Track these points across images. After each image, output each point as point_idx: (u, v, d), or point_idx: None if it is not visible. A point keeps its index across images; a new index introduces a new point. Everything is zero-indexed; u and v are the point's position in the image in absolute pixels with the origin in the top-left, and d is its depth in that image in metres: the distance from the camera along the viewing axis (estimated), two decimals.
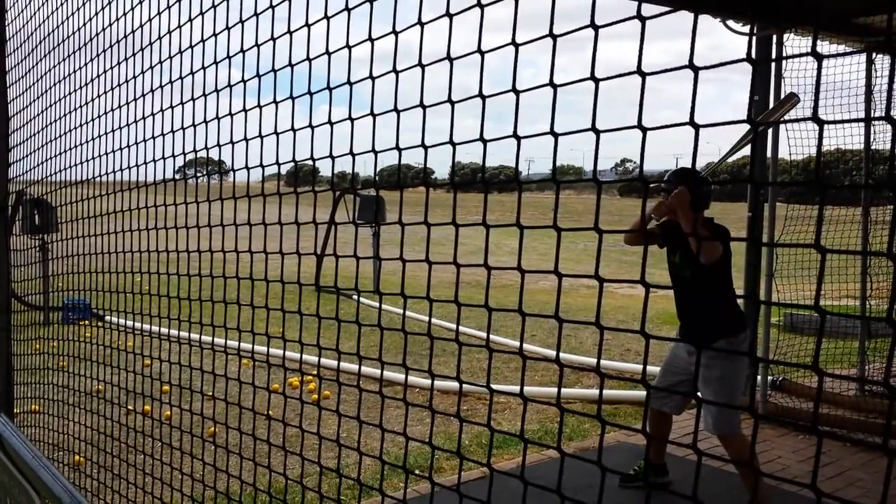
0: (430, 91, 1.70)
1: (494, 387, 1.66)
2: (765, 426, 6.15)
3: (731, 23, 6.42)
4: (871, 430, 5.66)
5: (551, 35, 1.28)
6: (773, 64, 6.21)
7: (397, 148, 1.71)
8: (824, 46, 6.77)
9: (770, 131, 6.32)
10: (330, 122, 1.91)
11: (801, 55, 5.09)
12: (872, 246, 6.84)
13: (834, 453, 5.54)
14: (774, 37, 6.30)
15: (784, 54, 6.23)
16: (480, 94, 1.47)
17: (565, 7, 1.45)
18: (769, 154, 6.37)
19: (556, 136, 1.32)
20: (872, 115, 6.72)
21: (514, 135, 1.40)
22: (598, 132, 1.25)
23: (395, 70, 1.68)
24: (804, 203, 6.86)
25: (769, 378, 6.60)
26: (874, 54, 6.60)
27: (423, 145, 1.63)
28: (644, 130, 1.16)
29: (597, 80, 1.24)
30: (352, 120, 1.85)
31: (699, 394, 4.51)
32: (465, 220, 1.61)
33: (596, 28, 1.21)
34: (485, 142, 1.50)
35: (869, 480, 5.05)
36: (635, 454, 5.36)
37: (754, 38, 6.50)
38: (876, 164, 7.95)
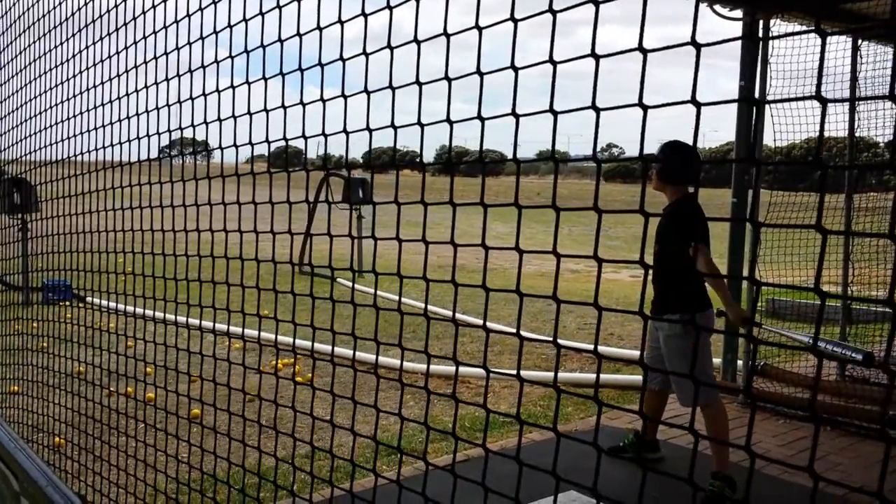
0: (423, 75, 1.67)
1: (490, 369, 1.65)
2: (745, 410, 6.20)
3: (718, 7, 6.42)
4: (852, 415, 5.73)
5: (550, 10, 1.26)
6: (759, 49, 6.21)
7: (392, 126, 1.68)
8: (808, 33, 6.77)
9: (754, 117, 6.34)
10: (322, 100, 1.88)
11: (802, 32, 5.07)
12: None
13: (813, 428, 5.60)
14: (761, 21, 6.30)
15: (772, 37, 6.23)
16: (478, 72, 1.45)
17: None
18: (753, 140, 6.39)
19: (555, 114, 1.30)
20: (854, 97, 6.75)
21: (513, 113, 1.38)
22: (598, 110, 1.23)
23: (389, 46, 1.65)
24: (787, 189, 6.90)
25: (750, 364, 6.65)
26: (859, 40, 6.62)
27: (419, 123, 1.60)
28: (645, 108, 1.14)
29: (597, 58, 1.22)
30: (345, 97, 1.82)
31: (669, 367, 4.64)
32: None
33: (597, 4, 1.19)
34: (482, 120, 1.47)
35: (848, 465, 5.10)
36: (619, 437, 5.39)
37: (741, 24, 6.50)
38: (860, 152, 8.00)
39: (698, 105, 1.08)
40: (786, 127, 6.34)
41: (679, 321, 4.46)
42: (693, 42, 1.08)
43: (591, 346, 1.27)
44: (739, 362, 6.83)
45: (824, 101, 1.03)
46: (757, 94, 6.24)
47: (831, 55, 6.69)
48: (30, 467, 2.79)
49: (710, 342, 4.88)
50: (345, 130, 1.82)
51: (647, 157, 1.32)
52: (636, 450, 5.03)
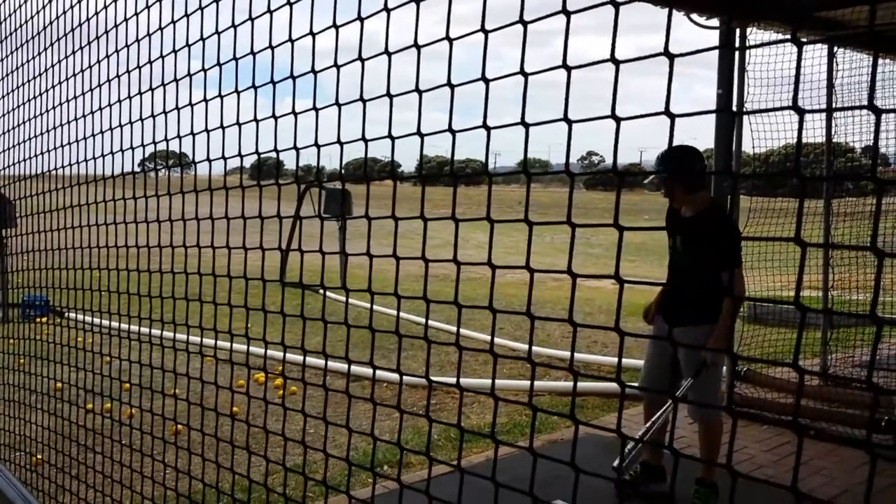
0: (395, 85, 1.66)
1: (464, 382, 1.63)
2: (728, 417, 6.21)
3: (695, 16, 6.45)
4: (834, 420, 5.74)
5: (521, 21, 1.24)
6: (736, 57, 6.25)
7: (363, 139, 1.66)
8: (784, 42, 6.83)
9: (735, 125, 6.37)
10: (294, 113, 1.86)
11: (778, 42, 5.10)
12: (834, 238, 6.94)
13: (796, 442, 5.60)
14: (738, 30, 6.35)
15: (748, 46, 6.27)
16: (449, 83, 1.43)
17: (528, 2, 1.41)
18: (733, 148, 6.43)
19: (526, 126, 1.28)
20: (834, 107, 6.81)
21: (484, 125, 1.36)
22: (570, 122, 1.21)
23: (360, 58, 1.63)
24: (765, 196, 6.93)
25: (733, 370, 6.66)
26: (835, 48, 6.68)
27: (389, 136, 1.58)
28: (618, 120, 1.12)
29: (569, 69, 1.20)
30: (316, 110, 1.80)
31: (682, 379, 4.56)
32: (431, 215, 1.57)
33: (568, 14, 1.18)
34: (453, 132, 1.45)
35: (833, 469, 5.11)
36: (603, 446, 5.35)
37: (717, 32, 6.54)
38: (836, 157, 8.05)
39: (672, 116, 1.07)
40: (764, 134, 6.38)
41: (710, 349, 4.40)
42: (666, 52, 1.07)
43: (563, 355, 1.25)
44: (724, 369, 6.84)
45: (801, 112, 1.02)
46: (735, 102, 6.27)
47: (808, 62, 6.73)
48: (6, 488, 2.74)
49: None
50: (316, 143, 1.80)
51: (621, 171, 1.30)
52: (645, 482, 4.82)
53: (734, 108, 6.32)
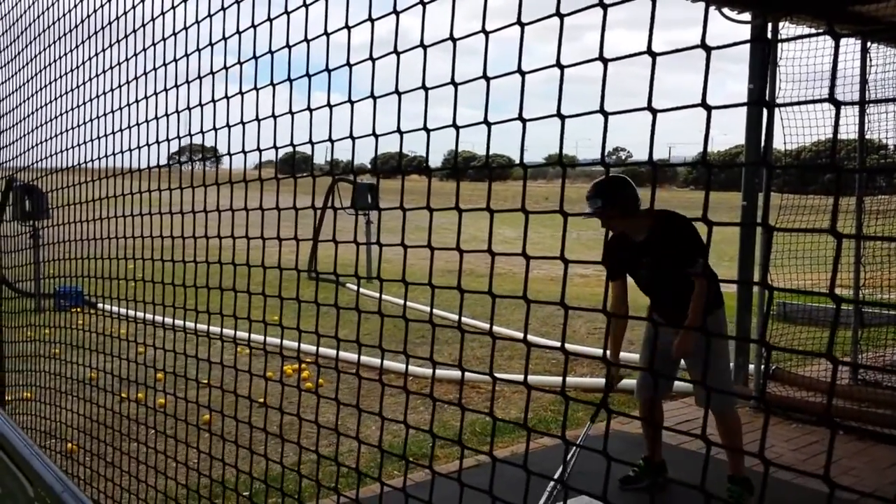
0: (429, 80, 1.67)
1: (498, 375, 1.64)
2: (758, 415, 6.16)
3: (726, 10, 6.40)
4: (865, 419, 5.68)
5: (558, 14, 1.25)
6: (769, 52, 6.19)
7: (398, 131, 1.67)
8: (820, 35, 6.75)
9: (765, 120, 6.31)
10: (329, 105, 1.88)
11: (815, 34, 5.02)
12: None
13: (826, 441, 5.55)
14: (770, 24, 6.28)
15: (782, 39, 6.21)
16: (485, 76, 1.44)
17: None
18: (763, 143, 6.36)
19: (562, 118, 1.29)
20: (868, 100, 6.72)
21: (520, 117, 1.37)
22: (606, 114, 1.22)
23: (395, 51, 1.64)
24: (796, 193, 6.86)
25: (763, 368, 6.60)
26: (869, 42, 6.59)
27: (425, 128, 1.59)
28: (654, 112, 1.13)
29: (605, 61, 1.21)
30: (352, 103, 1.82)
31: (690, 374, 4.54)
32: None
33: (605, 7, 1.18)
34: (489, 124, 1.46)
35: (862, 469, 5.06)
36: (628, 442, 5.36)
37: (749, 27, 6.48)
38: (868, 154, 7.95)
39: (709, 108, 1.07)
40: (795, 130, 6.31)
41: (708, 332, 4.38)
42: (703, 45, 1.07)
43: (600, 352, 1.26)
44: (751, 366, 6.79)
45: (838, 104, 1.02)
46: (766, 98, 6.22)
47: (840, 57, 6.64)
48: (45, 474, 2.79)
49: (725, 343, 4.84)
50: (351, 136, 1.82)
51: (655, 163, 1.30)
52: (649, 476, 4.85)
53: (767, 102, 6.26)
